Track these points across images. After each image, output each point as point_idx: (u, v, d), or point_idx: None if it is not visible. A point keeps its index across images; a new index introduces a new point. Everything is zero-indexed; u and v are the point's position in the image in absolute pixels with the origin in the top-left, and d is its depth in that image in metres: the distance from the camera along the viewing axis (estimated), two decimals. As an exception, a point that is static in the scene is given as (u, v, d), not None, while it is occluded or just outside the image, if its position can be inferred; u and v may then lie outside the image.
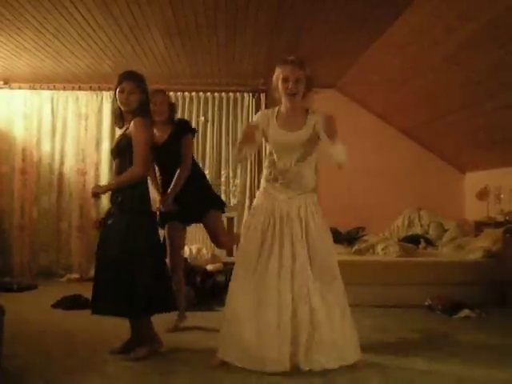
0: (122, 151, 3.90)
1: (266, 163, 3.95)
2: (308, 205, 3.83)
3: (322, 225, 3.82)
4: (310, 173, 3.87)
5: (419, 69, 5.91)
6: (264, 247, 3.70)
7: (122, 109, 3.91)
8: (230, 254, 6.24)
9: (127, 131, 3.89)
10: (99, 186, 4.28)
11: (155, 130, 4.56)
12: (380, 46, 5.76)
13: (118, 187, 3.88)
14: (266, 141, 3.88)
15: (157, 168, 4.85)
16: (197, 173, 4.87)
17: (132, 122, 3.84)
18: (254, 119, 4.02)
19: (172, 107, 4.84)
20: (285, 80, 3.70)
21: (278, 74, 3.76)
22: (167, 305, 3.98)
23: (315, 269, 3.67)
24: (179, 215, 4.81)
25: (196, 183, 4.79)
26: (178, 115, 7.82)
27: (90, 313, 3.90)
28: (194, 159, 4.89)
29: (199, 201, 4.79)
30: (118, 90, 3.88)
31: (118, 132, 4.11)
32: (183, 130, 4.74)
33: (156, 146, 4.49)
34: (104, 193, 4.03)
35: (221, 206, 4.96)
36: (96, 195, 3.97)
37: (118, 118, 4.02)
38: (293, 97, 3.70)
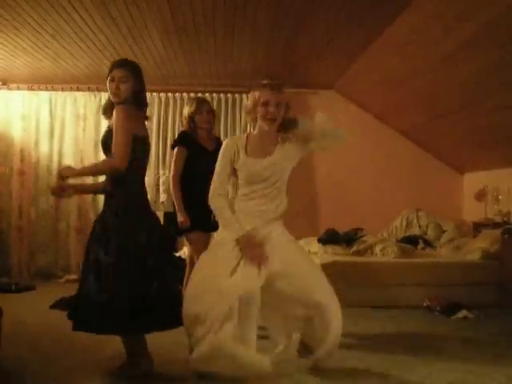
0: (107, 147, 3.47)
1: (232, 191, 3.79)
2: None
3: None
4: (279, 199, 3.67)
5: (418, 69, 5.91)
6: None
7: (112, 99, 3.52)
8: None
9: (110, 124, 3.50)
10: (70, 168, 3.58)
11: (201, 137, 4.71)
12: (379, 46, 5.75)
13: (92, 174, 3.57)
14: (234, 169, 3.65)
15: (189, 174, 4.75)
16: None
17: (113, 112, 3.41)
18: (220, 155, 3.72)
19: (214, 114, 4.92)
20: (265, 104, 3.48)
21: (258, 97, 3.52)
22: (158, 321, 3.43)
23: None
24: (203, 224, 4.80)
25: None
26: (177, 116, 7.87)
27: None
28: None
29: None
30: (108, 79, 3.54)
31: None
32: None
33: (204, 150, 4.65)
34: (74, 176, 3.54)
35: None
36: (63, 178, 3.39)
37: (107, 109, 3.62)
38: (273, 121, 3.52)
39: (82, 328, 3.40)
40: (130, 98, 3.49)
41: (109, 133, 3.47)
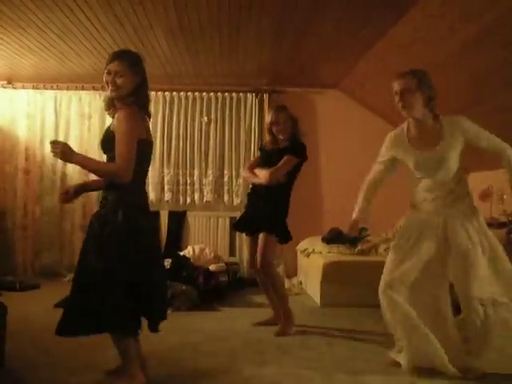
0: (107, 148, 3.34)
1: None
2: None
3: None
4: None
5: (423, 68, 5.90)
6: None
7: (109, 94, 3.35)
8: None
9: (111, 125, 3.34)
10: (72, 153, 3.42)
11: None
12: (383, 46, 5.75)
13: (93, 172, 3.36)
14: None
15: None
16: (282, 197, 4.84)
17: (116, 115, 3.28)
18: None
19: (294, 122, 4.86)
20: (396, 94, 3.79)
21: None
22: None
23: None
24: (245, 224, 4.97)
25: (275, 203, 4.79)
26: (182, 116, 7.88)
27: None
28: (291, 183, 4.85)
29: (264, 217, 4.77)
30: (105, 71, 3.33)
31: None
32: (292, 149, 4.73)
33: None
34: (73, 162, 3.44)
35: (281, 235, 4.83)
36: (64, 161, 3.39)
37: (110, 105, 3.47)
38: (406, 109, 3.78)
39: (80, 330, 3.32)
40: (130, 94, 3.31)
41: (109, 133, 3.29)
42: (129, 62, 3.29)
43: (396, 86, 3.71)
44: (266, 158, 4.82)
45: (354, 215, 3.96)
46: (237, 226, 5.15)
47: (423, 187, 3.84)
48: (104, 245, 3.20)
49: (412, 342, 3.56)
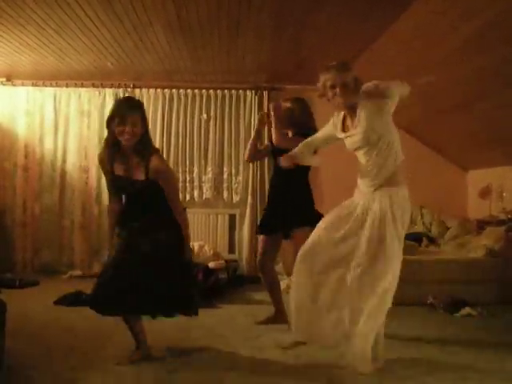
0: (150, 194, 3.75)
1: None
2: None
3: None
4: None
5: (422, 65, 5.89)
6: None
7: (124, 142, 3.63)
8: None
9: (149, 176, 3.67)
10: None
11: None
12: (383, 42, 5.74)
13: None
14: None
15: None
16: (303, 186, 4.88)
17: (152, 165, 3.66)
18: None
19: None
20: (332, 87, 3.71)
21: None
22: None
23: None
24: (266, 227, 4.91)
25: (297, 196, 4.79)
26: (182, 113, 7.88)
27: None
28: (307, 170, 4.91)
29: (288, 215, 4.72)
30: (116, 120, 3.61)
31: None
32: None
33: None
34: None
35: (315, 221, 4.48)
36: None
37: (112, 157, 3.76)
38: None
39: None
40: (138, 141, 3.67)
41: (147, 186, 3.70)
42: (142, 113, 3.71)
43: (329, 80, 3.69)
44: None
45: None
46: (265, 228, 4.97)
47: (361, 168, 3.98)
48: None
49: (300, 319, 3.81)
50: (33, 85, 7.85)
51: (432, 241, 7.11)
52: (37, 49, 6.29)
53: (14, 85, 7.84)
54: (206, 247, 7.12)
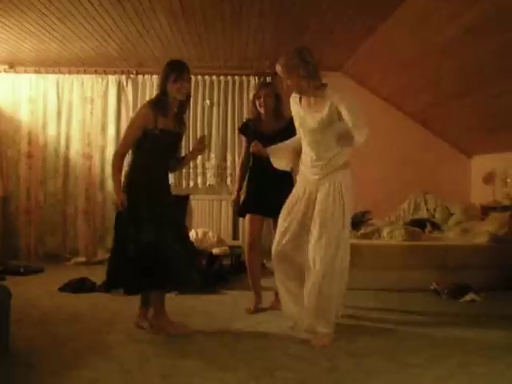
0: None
1: None
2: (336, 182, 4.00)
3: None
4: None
5: (426, 51, 5.87)
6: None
7: (179, 97, 4.10)
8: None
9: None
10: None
11: (264, 122, 4.87)
12: (387, 28, 5.71)
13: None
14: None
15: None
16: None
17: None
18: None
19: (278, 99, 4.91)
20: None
21: None
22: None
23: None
24: (261, 207, 4.91)
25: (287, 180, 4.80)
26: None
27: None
28: None
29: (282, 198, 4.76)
30: (177, 77, 4.04)
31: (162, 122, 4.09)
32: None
33: (261, 136, 4.72)
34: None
35: None
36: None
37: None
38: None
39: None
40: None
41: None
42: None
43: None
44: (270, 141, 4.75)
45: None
46: (250, 208, 5.02)
47: (306, 151, 4.14)
48: None
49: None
50: (35, 72, 7.84)
51: (436, 227, 7.10)
52: (39, 35, 6.26)
53: (17, 72, 7.83)
54: (210, 234, 7.13)
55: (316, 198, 4.02)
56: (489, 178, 7.43)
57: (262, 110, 4.82)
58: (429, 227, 7.00)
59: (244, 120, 5.47)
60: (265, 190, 4.87)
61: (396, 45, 6.13)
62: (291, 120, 4.44)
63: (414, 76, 6.76)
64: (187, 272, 4.07)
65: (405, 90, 7.50)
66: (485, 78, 5.74)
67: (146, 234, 3.88)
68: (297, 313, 4.17)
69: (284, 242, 4.15)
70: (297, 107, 4.15)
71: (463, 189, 8.18)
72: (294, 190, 4.24)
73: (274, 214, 4.59)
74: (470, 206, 7.50)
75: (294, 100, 4.20)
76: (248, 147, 4.81)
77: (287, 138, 4.50)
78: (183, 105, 4.21)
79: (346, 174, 4.05)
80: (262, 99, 4.78)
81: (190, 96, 4.28)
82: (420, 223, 7.01)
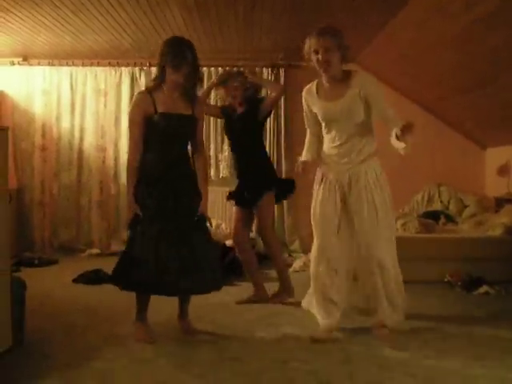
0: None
1: None
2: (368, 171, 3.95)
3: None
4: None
5: (440, 43, 5.83)
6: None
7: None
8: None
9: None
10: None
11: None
12: (401, 20, 5.67)
13: None
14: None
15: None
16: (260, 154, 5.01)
17: None
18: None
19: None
20: (315, 52, 3.77)
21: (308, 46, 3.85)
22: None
23: None
24: (240, 199, 4.98)
25: (256, 165, 4.91)
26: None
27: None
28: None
29: (254, 184, 4.81)
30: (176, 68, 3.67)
31: None
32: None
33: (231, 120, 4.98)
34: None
35: (271, 186, 4.90)
36: None
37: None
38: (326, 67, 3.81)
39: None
40: None
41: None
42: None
43: (315, 43, 3.78)
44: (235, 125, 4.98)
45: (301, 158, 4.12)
46: (238, 200, 5.06)
47: (330, 139, 3.98)
48: None
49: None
50: (49, 64, 7.86)
51: (450, 219, 7.07)
52: (53, 28, 6.28)
53: (31, 64, 7.86)
54: (223, 225, 7.14)
55: (351, 189, 3.90)
56: (503, 170, 7.37)
57: (231, 101, 4.99)
58: (443, 219, 6.96)
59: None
60: (242, 181, 4.98)
61: (409, 36, 6.08)
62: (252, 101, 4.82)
63: (428, 68, 6.71)
64: (185, 278, 3.61)
65: (419, 82, 7.45)
66: (499, 69, 5.69)
67: (148, 233, 3.61)
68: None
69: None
70: (314, 100, 3.97)
71: (477, 181, 8.12)
72: (318, 193, 4.04)
73: (251, 206, 4.81)
74: (484, 198, 7.46)
75: (308, 93, 4.03)
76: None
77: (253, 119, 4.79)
78: (192, 78, 3.75)
79: (378, 161, 4.07)
80: (232, 91, 4.93)
81: (198, 68, 3.78)
82: (434, 215, 6.99)
